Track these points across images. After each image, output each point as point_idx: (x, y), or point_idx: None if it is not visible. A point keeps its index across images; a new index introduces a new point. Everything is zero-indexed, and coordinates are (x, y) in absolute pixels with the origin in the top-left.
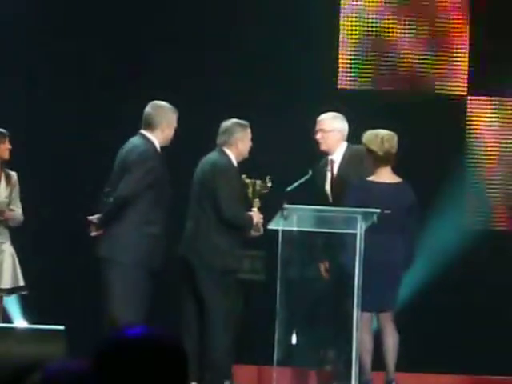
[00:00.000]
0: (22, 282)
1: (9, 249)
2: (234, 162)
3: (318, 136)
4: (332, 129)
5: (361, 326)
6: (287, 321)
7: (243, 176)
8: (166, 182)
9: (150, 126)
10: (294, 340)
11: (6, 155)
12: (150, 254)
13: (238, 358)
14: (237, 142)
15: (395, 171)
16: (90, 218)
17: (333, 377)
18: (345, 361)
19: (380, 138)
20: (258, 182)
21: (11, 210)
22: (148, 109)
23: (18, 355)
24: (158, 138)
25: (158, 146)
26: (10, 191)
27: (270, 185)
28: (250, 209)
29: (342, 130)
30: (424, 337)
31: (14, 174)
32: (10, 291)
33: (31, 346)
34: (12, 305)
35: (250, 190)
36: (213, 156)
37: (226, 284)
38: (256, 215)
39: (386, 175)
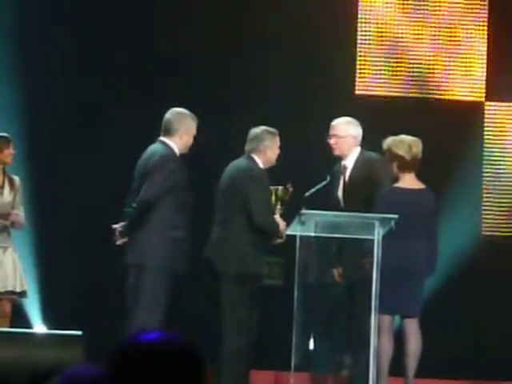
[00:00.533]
0: (25, 287)
1: (12, 254)
2: (263, 169)
3: (332, 141)
4: (346, 134)
5: (381, 329)
6: (305, 326)
7: None
8: (187, 186)
9: (168, 132)
10: (311, 345)
11: (9, 160)
12: (174, 258)
13: (256, 364)
14: (265, 150)
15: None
16: (115, 226)
17: (350, 382)
18: (362, 366)
19: (407, 143)
20: (280, 188)
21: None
22: (167, 115)
23: (36, 360)
24: (176, 144)
25: (177, 151)
26: (14, 196)
27: (291, 190)
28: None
29: (356, 135)
30: (440, 342)
31: (16, 178)
32: (19, 294)
33: (49, 351)
34: (32, 309)
35: (273, 196)
36: (242, 162)
37: (243, 289)
38: (280, 222)
39: (410, 181)
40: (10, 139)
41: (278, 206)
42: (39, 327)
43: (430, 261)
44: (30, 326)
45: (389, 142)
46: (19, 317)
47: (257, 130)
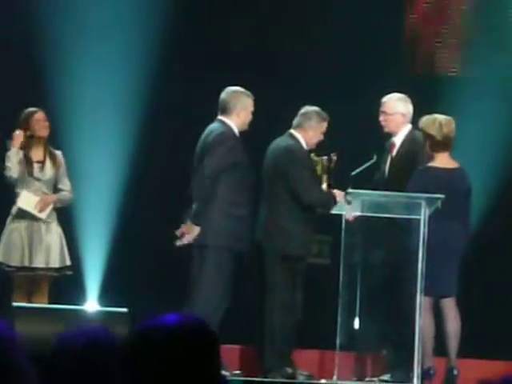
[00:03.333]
0: (68, 262)
1: (56, 229)
2: (305, 146)
3: (381, 118)
4: (394, 112)
5: (422, 310)
6: (350, 305)
7: (311, 154)
8: (247, 164)
9: (225, 111)
10: (356, 325)
11: (43, 133)
12: (237, 236)
13: (301, 342)
14: (308, 129)
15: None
16: (178, 231)
17: (395, 362)
18: (407, 346)
19: (438, 122)
20: (325, 158)
21: (59, 189)
22: (223, 94)
23: None
24: (234, 122)
25: (235, 130)
26: (56, 171)
27: (335, 159)
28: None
29: (406, 113)
30: (486, 323)
31: (59, 152)
32: (57, 270)
33: None
34: (90, 285)
35: (319, 167)
36: (284, 140)
37: (287, 269)
38: (330, 191)
39: (444, 160)
40: (38, 110)
41: (325, 176)
42: (90, 304)
43: (464, 238)
44: (82, 302)
45: (422, 121)
46: (75, 292)
47: (308, 108)
